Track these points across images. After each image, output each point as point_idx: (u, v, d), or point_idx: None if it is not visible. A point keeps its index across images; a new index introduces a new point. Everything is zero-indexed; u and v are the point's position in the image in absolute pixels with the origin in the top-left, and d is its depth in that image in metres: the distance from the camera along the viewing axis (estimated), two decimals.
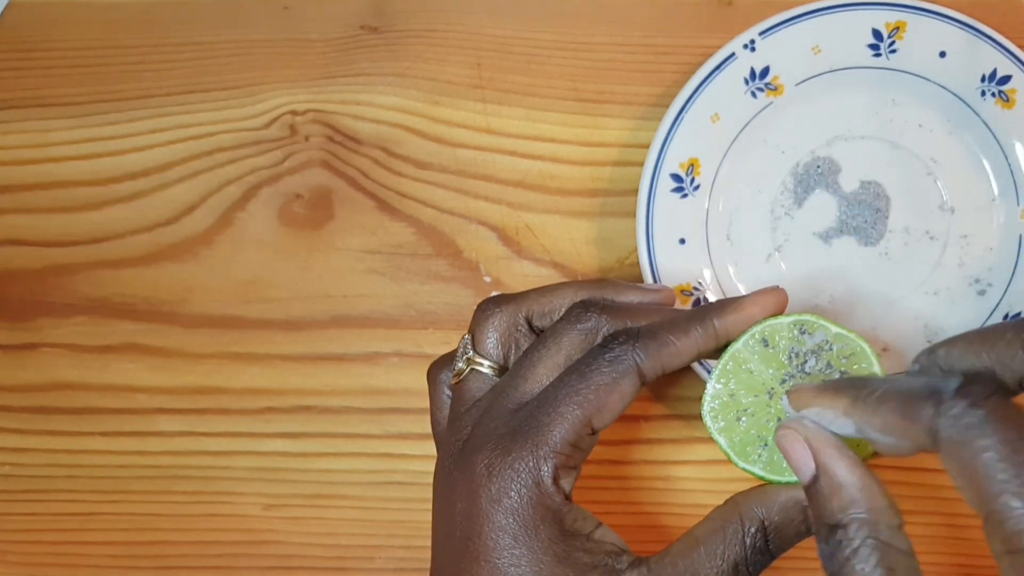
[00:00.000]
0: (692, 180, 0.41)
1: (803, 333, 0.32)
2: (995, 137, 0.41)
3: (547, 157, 0.44)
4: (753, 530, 0.31)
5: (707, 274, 0.42)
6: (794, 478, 0.31)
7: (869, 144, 0.42)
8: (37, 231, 0.45)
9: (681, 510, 0.43)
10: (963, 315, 0.41)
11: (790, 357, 0.32)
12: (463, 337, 0.36)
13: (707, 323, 0.32)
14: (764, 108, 0.41)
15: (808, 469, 0.29)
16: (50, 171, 0.45)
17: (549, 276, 0.43)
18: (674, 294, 0.37)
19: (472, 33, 0.44)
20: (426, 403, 0.43)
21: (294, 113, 0.44)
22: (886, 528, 0.27)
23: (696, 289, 0.41)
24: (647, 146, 0.41)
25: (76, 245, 0.45)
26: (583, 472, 0.33)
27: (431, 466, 0.43)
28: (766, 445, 0.32)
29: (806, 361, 0.32)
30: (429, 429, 0.43)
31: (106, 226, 0.45)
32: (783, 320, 0.32)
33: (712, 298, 0.41)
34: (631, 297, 0.35)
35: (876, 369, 0.31)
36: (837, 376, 0.31)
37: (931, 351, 0.29)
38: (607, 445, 0.43)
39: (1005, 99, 0.41)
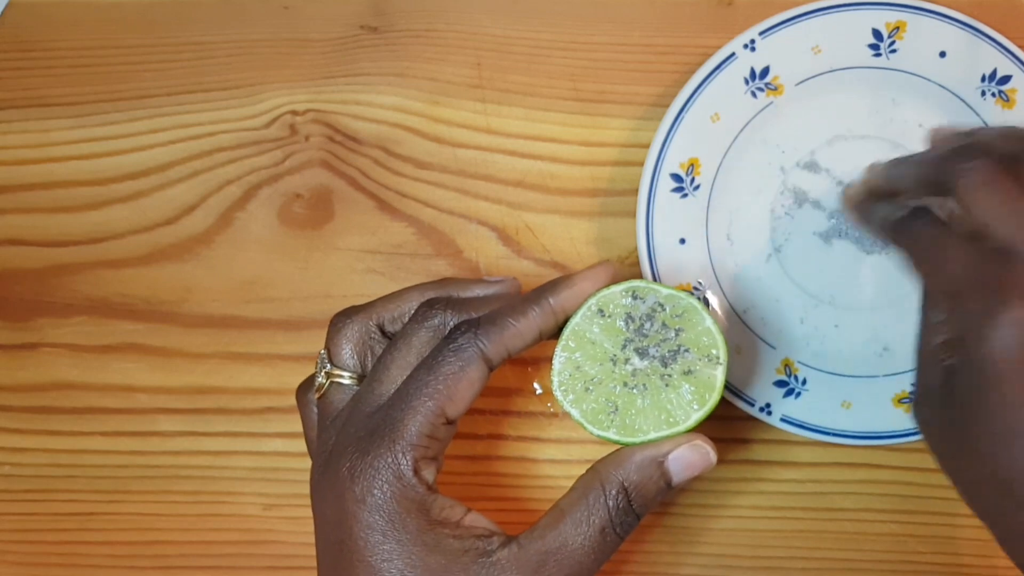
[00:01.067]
0: (692, 180, 0.41)
1: (635, 299, 0.34)
2: None
3: (547, 157, 0.44)
4: (614, 492, 0.32)
5: (707, 274, 0.42)
6: (648, 437, 0.33)
7: (869, 144, 0.42)
8: (37, 231, 0.45)
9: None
10: None
11: (626, 322, 0.34)
12: (319, 353, 0.36)
13: (543, 302, 0.34)
14: (764, 108, 0.41)
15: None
16: (50, 171, 0.45)
17: (549, 276, 0.43)
18: (519, 284, 0.38)
19: (472, 33, 0.44)
20: None
21: (294, 113, 0.44)
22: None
23: (696, 289, 0.41)
24: (647, 146, 0.41)
25: (76, 245, 0.45)
26: (451, 468, 0.34)
27: None
28: (616, 410, 0.33)
29: (642, 325, 0.33)
30: None
31: (106, 226, 0.45)
32: (615, 289, 0.34)
33: (713, 298, 0.41)
34: (475, 291, 0.36)
35: (708, 323, 0.33)
36: (672, 336, 0.33)
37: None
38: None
39: (1005, 99, 0.41)
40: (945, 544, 0.42)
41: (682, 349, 0.33)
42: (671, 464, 0.33)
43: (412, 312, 0.35)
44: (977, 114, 0.41)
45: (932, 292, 0.31)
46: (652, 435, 0.33)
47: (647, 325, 0.33)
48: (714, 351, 0.33)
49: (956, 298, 0.30)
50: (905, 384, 0.41)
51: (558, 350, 0.34)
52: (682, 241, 0.41)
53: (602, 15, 0.44)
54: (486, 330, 0.33)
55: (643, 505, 0.33)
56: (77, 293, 0.45)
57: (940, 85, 0.41)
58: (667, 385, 0.33)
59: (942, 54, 0.41)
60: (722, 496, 0.43)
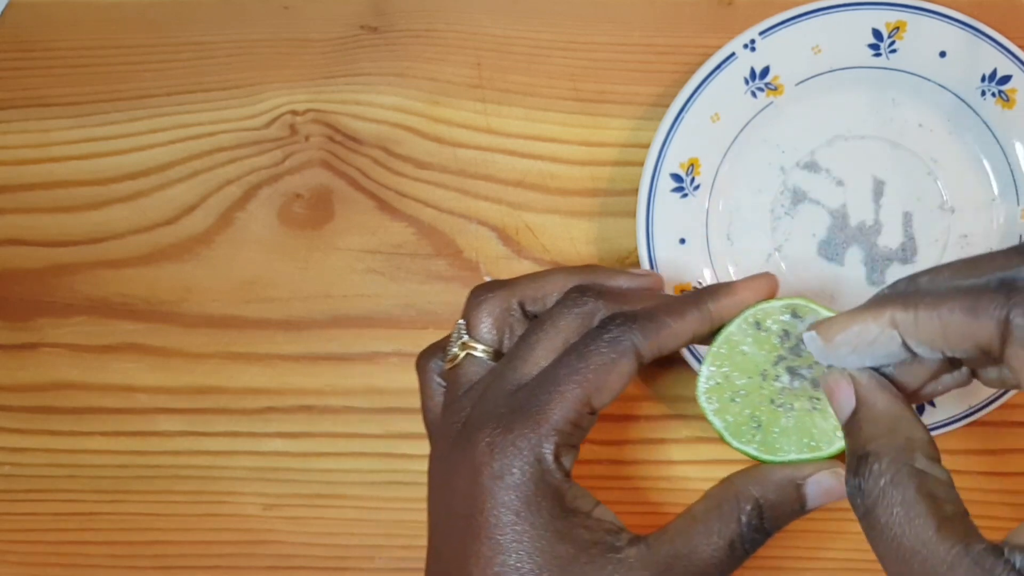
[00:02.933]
0: (692, 180, 0.41)
1: (794, 316, 0.33)
2: (995, 137, 0.41)
3: (547, 157, 0.44)
4: (748, 508, 0.31)
5: (707, 274, 0.42)
6: (788, 457, 0.32)
7: (869, 144, 0.42)
8: (37, 231, 0.45)
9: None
10: None
11: (782, 339, 0.33)
12: (457, 323, 0.36)
13: (702, 306, 0.33)
14: (764, 108, 0.41)
15: (849, 405, 0.29)
16: (50, 171, 0.45)
17: None
18: (662, 280, 0.37)
19: (472, 33, 0.44)
20: None
21: (294, 113, 0.44)
22: (924, 458, 0.27)
23: (696, 289, 0.41)
24: (647, 146, 0.41)
25: (76, 245, 0.45)
26: (580, 454, 0.33)
27: None
28: (759, 425, 0.32)
29: (797, 344, 0.32)
30: None
31: (106, 226, 0.45)
32: (775, 303, 0.33)
33: None
34: (621, 282, 0.36)
35: None
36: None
37: (913, 278, 0.29)
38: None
39: (1005, 99, 0.41)
40: None
41: None
42: (809, 488, 0.32)
43: (555, 295, 0.35)
44: (977, 114, 0.41)
45: None
46: (792, 456, 0.32)
47: (802, 345, 0.32)
48: None
49: None
50: None
51: (708, 357, 0.33)
52: (682, 241, 0.41)
53: (602, 15, 0.44)
54: (643, 325, 0.32)
55: (774, 525, 0.32)
56: (77, 293, 0.45)
57: (940, 85, 0.41)
58: (814, 408, 0.32)
59: (942, 54, 0.41)
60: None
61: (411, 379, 0.43)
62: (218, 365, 0.44)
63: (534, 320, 0.35)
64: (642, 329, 0.32)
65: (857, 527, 0.41)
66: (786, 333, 0.33)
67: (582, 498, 0.32)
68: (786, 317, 0.33)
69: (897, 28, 0.40)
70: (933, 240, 0.42)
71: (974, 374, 0.31)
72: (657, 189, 0.41)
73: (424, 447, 0.43)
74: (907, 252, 0.42)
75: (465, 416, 0.33)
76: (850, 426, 0.29)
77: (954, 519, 0.26)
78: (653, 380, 0.42)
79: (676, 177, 0.41)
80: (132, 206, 0.45)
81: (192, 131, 0.45)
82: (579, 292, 0.34)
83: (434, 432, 0.36)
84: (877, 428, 0.28)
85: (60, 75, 0.45)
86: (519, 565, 0.30)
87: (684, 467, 0.43)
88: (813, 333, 0.30)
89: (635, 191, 0.41)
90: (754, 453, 0.32)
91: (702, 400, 0.33)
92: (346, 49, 0.44)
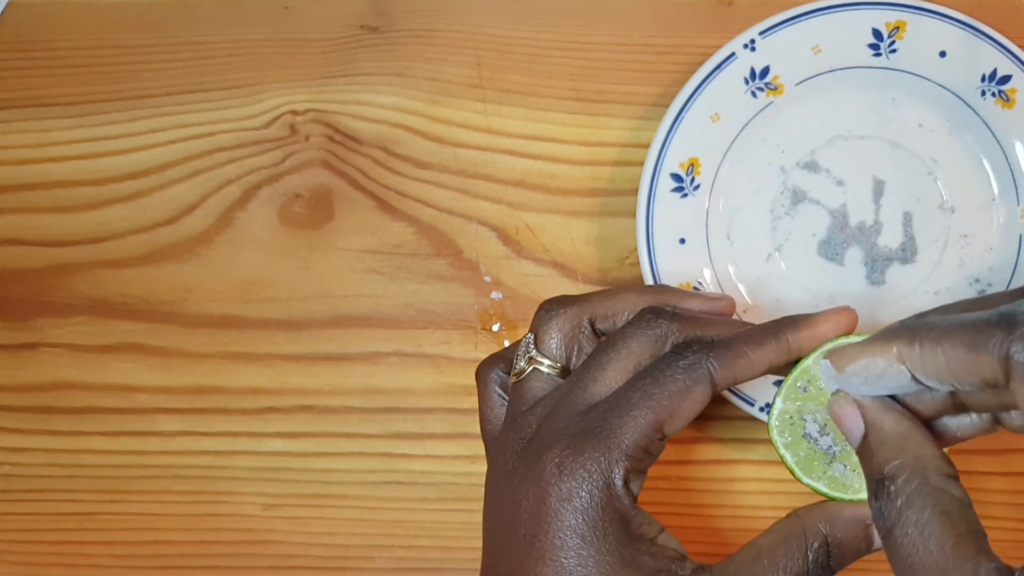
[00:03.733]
0: (692, 180, 0.41)
1: None
2: (995, 137, 0.41)
3: (547, 157, 0.44)
4: (816, 545, 0.31)
5: (707, 274, 0.42)
6: (859, 496, 0.31)
7: (869, 144, 0.42)
8: (37, 231, 0.45)
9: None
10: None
11: None
12: (524, 336, 0.35)
13: (781, 337, 0.32)
14: (764, 108, 0.41)
15: (858, 430, 0.29)
16: (50, 171, 0.45)
17: (549, 276, 0.43)
18: (734, 303, 0.37)
19: (472, 33, 0.44)
20: (426, 403, 0.43)
21: (294, 113, 0.44)
22: (936, 475, 0.27)
23: (696, 289, 0.41)
24: (647, 146, 0.41)
25: (76, 245, 0.45)
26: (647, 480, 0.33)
27: (431, 466, 0.43)
28: (831, 462, 0.32)
29: None
30: (429, 428, 0.43)
31: (106, 226, 0.45)
32: (854, 339, 0.32)
33: None
34: (694, 305, 0.36)
35: None
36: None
37: (923, 314, 0.29)
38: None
39: (1005, 99, 0.41)
40: None
41: None
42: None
43: (626, 314, 0.35)
44: (977, 114, 0.41)
45: None
46: (863, 495, 0.31)
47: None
48: None
49: None
50: None
51: (783, 390, 0.32)
52: (682, 241, 0.41)
53: (602, 15, 0.44)
54: (719, 354, 0.31)
55: (840, 563, 0.31)
56: (77, 293, 0.45)
57: (940, 85, 0.41)
58: None
59: (942, 54, 0.41)
60: (722, 496, 0.43)
61: (411, 379, 0.44)
62: (218, 365, 0.44)
63: (605, 339, 0.34)
64: (718, 357, 0.31)
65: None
66: None
67: (648, 524, 0.31)
68: None
69: (897, 28, 0.40)
70: (933, 240, 0.42)
71: (998, 420, 0.30)
72: (657, 189, 0.41)
73: (424, 447, 0.44)
74: (907, 252, 0.42)
75: (532, 432, 0.33)
76: (863, 451, 0.29)
77: (968, 537, 0.25)
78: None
79: (676, 177, 0.41)
80: (132, 206, 0.45)
81: (192, 131, 0.45)
82: (653, 314, 0.33)
83: (494, 445, 0.35)
84: (888, 450, 0.28)
85: (60, 75, 0.45)
86: None
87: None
88: (827, 362, 0.30)
89: (635, 191, 0.41)
90: (824, 490, 0.32)
91: (774, 434, 0.32)
92: (346, 49, 0.44)
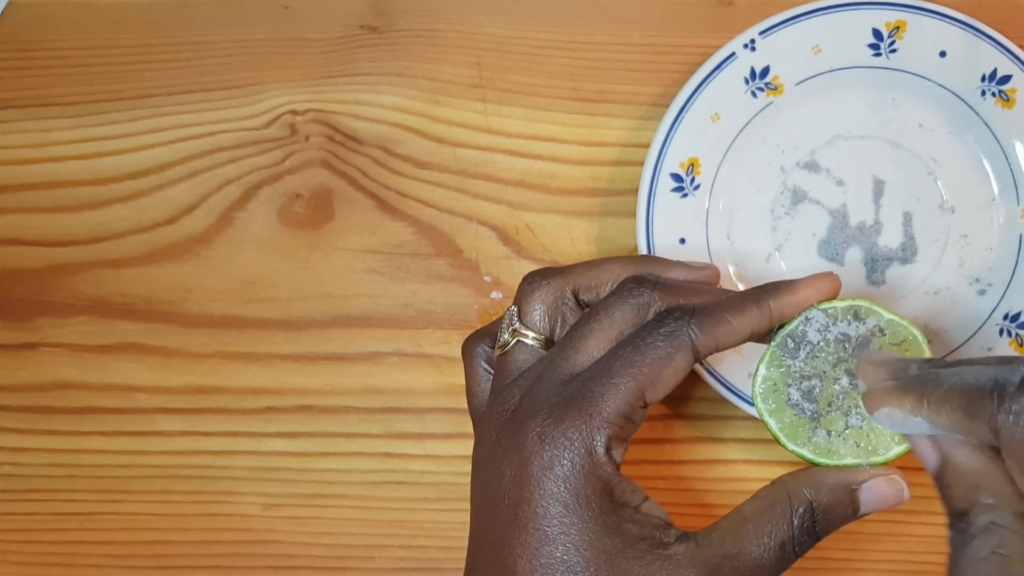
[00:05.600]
0: (692, 180, 0.41)
1: (856, 318, 0.32)
2: (995, 137, 0.41)
3: (547, 157, 0.44)
4: (801, 511, 0.31)
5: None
6: (843, 461, 0.32)
7: (869, 144, 0.42)
8: (37, 231, 0.45)
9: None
10: (963, 315, 0.41)
11: (842, 342, 0.32)
12: (508, 309, 0.35)
13: (763, 304, 0.32)
14: (764, 108, 0.41)
15: (933, 460, 0.29)
16: (50, 171, 0.45)
17: None
18: (719, 272, 0.37)
19: (472, 33, 0.44)
20: (426, 403, 0.43)
21: (294, 113, 0.44)
22: (1009, 514, 0.27)
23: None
24: (647, 146, 0.41)
25: (76, 245, 0.45)
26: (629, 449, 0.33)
27: (431, 466, 0.43)
28: (816, 428, 0.32)
29: (858, 346, 0.32)
30: (429, 429, 0.43)
31: (106, 226, 0.45)
32: (837, 304, 0.32)
33: None
34: (678, 274, 0.36)
35: (927, 356, 0.31)
36: None
37: (933, 364, 0.30)
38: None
39: (1005, 99, 0.41)
40: (945, 544, 0.42)
41: None
42: (863, 493, 0.31)
43: (610, 285, 0.35)
44: (977, 114, 0.41)
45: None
46: (848, 460, 0.32)
47: (864, 348, 0.32)
48: None
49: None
50: None
51: (766, 356, 0.32)
52: (682, 241, 0.41)
53: (602, 15, 0.44)
54: (701, 321, 0.31)
55: (825, 528, 0.31)
56: (77, 293, 0.45)
57: (940, 85, 0.41)
58: None
59: (942, 54, 0.41)
60: (722, 496, 0.43)
61: (411, 379, 0.44)
62: (218, 365, 0.44)
63: (588, 309, 0.34)
64: (700, 324, 0.31)
65: (857, 527, 0.41)
66: (846, 335, 0.32)
67: (631, 492, 0.31)
68: (847, 319, 0.32)
69: (897, 28, 0.40)
70: (933, 240, 0.42)
71: None
72: (657, 189, 0.41)
73: (424, 447, 0.44)
74: (907, 252, 0.42)
75: (515, 404, 0.33)
76: (940, 483, 0.29)
77: None
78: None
79: (676, 177, 0.41)
80: (132, 206, 0.45)
81: (192, 131, 0.45)
82: (635, 283, 0.33)
83: (480, 419, 0.35)
84: (962, 487, 0.28)
85: (60, 75, 0.45)
86: (566, 557, 0.30)
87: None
88: (864, 395, 0.31)
89: (635, 191, 0.41)
90: (809, 456, 0.32)
91: (758, 401, 0.32)
92: (346, 49, 0.44)
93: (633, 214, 0.41)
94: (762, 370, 0.32)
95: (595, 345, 0.32)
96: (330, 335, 0.44)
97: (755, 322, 0.32)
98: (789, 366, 0.32)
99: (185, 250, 0.44)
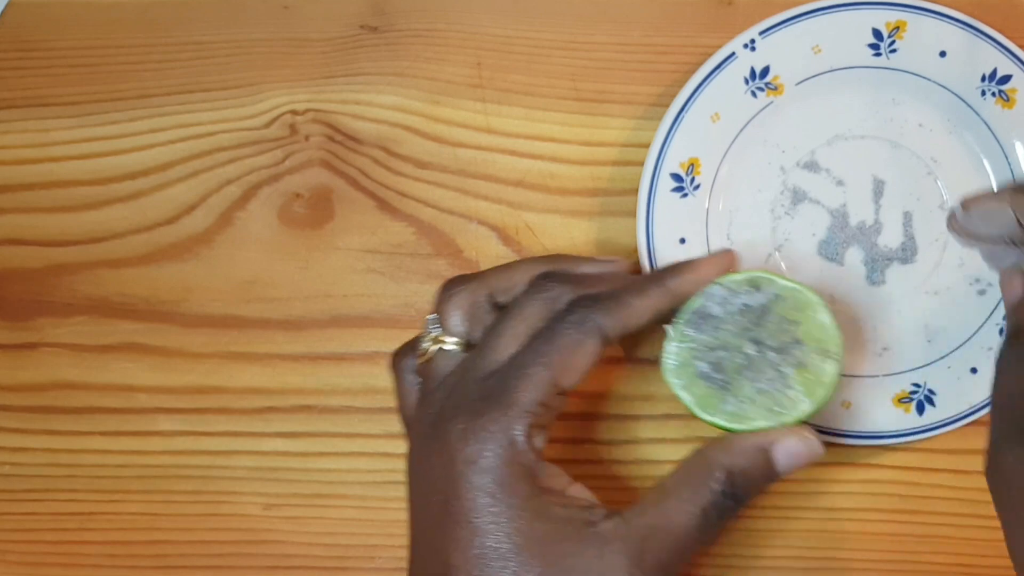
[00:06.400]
0: (692, 180, 0.41)
1: (755, 289, 0.34)
2: (995, 137, 0.41)
3: (547, 157, 0.44)
4: (720, 476, 0.32)
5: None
6: (756, 425, 0.33)
7: (869, 144, 0.42)
8: (37, 231, 0.45)
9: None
10: (963, 315, 0.41)
11: (744, 311, 0.34)
12: (427, 318, 0.36)
13: (664, 284, 0.34)
14: (764, 108, 0.41)
15: (1017, 293, 0.35)
16: (50, 171, 0.45)
17: None
18: (628, 265, 0.38)
19: (472, 32, 0.44)
20: None
21: (294, 113, 0.44)
22: None
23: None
24: (647, 145, 0.41)
25: (76, 245, 0.45)
26: (554, 436, 0.34)
27: None
28: (726, 396, 0.34)
29: (759, 315, 0.34)
30: None
31: (106, 226, 0.45)
32: (736, 277, 0.34)
33: None
34: (587, 268, 0.37)
35: (825, 319, 0.33)
36: (788, 328, 0.34)
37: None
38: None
39: (1005, 99, 0.41)
40: (945, 544, 0.42)
41: (797, 342, 0.34)
42: (777, 453, 0.33)
43: (523, 285, 0.36)
44: (977, 114, 0.41)
45: None
46: (760, 423, 0.33)
47: (764, 316, 0.34)
48: (828, 346, 0.34)
49: None
50: (905, 384, 0.41)
51: (673, 334, 0.34)
52: (682, 241, 0.41)
53: (602, 15, 0.44)
54: (605, 306, 0.33)
55: (747, 491, 0.33)
56: (77, 293, 0.45)
57: (940, 85, 0.41)
58: (779, 376, 0.33)
59: (942, 54, 0.41)
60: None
61: None
62: (218, 365, 0.44)
63: (502, 310, 0.35)
64: (605, 309, 0.33)
65: (857, 527, 0.41)
66: (747, 305, 0.34)
67: (556, 477, 0.33)
68: (746, 290, 0.34)
69: (897, 28, 0.40)
70: (933, 240, 0.42)
71: None
72: (657, 189, 0.41)
73: None
74: (907, 252, 0.42)
75: (439, 407, 0.34)
76: (1015, 309, 0.34)
77: None
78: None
79: (676, 177, 0.41)
80: (132, 206, 0.45)
81: (192, 131, 0.45)
82: (544, 279, 0.35)
83: (410, 427, 0.36)
84: None
85: (60, 75, 0.45)
86: (497, 546, 0.31)
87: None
88: (958, 205, 0.35)
89: (635, 191, 0.41)
90: (723, 424, 0.34)
91: (669, 377, 0.34)
92: (346, 49, 0.44)
93: (633, 214, 0.41)
94: (670, 347, 0.34)
95: (509, 342, 0.34)
96: (330, 335, 0.44)
97: (658, 302, 0.34)
98: (695, 340, 0.34)
99: (185, 250, 0.44)
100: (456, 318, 0.36)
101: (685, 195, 0.41)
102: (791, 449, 0.33)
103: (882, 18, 0.40)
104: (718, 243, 0.42)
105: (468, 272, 0.38)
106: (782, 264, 0.42)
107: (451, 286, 0.36)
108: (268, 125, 0.44)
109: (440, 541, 0.32)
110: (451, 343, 0.35)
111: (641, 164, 0.41)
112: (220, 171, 0.44)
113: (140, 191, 0.45)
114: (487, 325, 0.35)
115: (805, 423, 0.34)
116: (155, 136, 0.45)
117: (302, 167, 0.44)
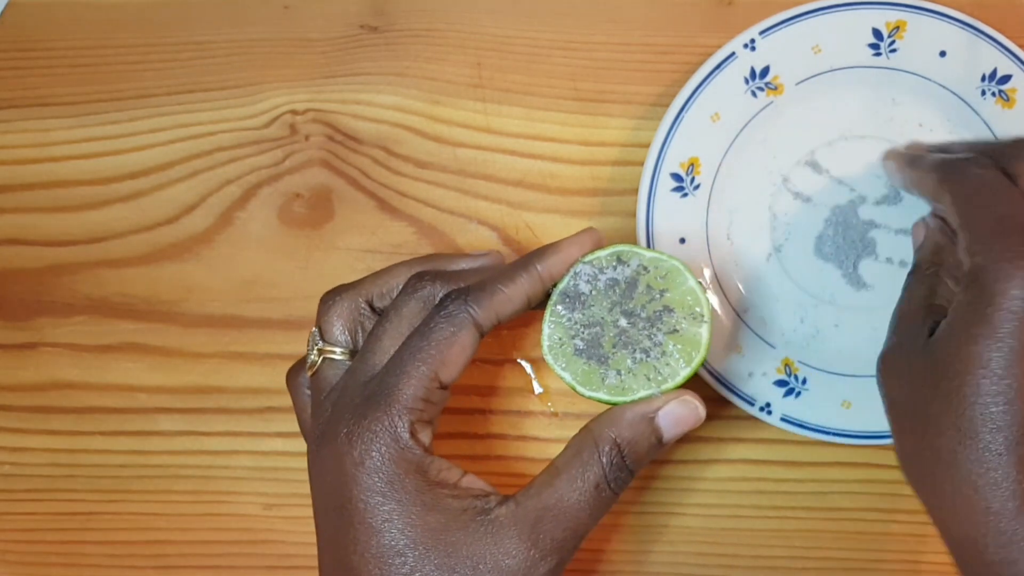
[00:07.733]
0: (692, 179, 0.41)
1: (620, 262, 0.35)
2: (995, 137, 0.41)
3: (547, 157, 0.44)
4: (608, 448, 0.33)
5: (707, 273, 0.42)
6: (637, 395, 0.34)
7: (869, 144, 0.42)
8: (37, 231, 0.45)
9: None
10: None
11: (612, 285, 0.34)
12: (311, 332, 0.37)
13: (530, 268, 0.34)
14: (764, 107, 0.41)
15: (921, 236, 0.39)
16: (50, 171, 0.45)
17: None
18: (503, 257, 0.38)
19: (472, 32, 0.44)
20: None
21: (294, 112, 0.44)
22: (946, 271, 0.37)
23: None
24: (647, 145, 0.41)
25: (76, 245, 0.45)
26: (445, 431, 0.34)
27: None
28: (606, 371, 0.34)
29: (628, 287, 0.34)
30: None
31: (106, 226, 0.45)
32: (600, 253, 0.35)
33: (715, 299, 0.41)
34: (462, 264, 0.37)
35: (691, 283, 0.34)
36: (657, 297, 0.34)
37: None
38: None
39: (1005, 99, 0.41)
40: (945, 543, 0.42)
41: (667, 309, 0.34)
42: (661, 420, 0.33)
43: (400, 287, 0.36)
44: (977, 113, 0.41)
45: (973, 229, 0.32)
46: (642, 393, 0.34)
47: (633, 288, 0.34)
48: (698, 309, 0.34)
49: (999, 236, 0.31)
50: None
51: (547, 316, 0.35)
52: (682, 241, 0.41)
53: (602, 15, 0.44)
54: (476, 296, 0.33)
55: (636, 461, 0.33)
56: (77, 293, 0.45)
57: (940, 85, 0.41)
58: (655, 345, 0.34)
59: (942, 54, 0.41)
60: (722, 496, 0.43)
61: None
62: (218, 365, 0.44)
63: (380, 314, 0.36)
64: (476, 300, 0.33)
65: (857, 527, 0.41)
66: (615, 279, 0.34)
67: (447, 470, 0.33)
68: (613, 264, 0.34)
69: (897, 28, 0.40)
70: None
71: None
72: (657, 189, 0.41)
73: None
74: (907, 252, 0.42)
75: (328, 416, 0.34)
76: (919, 248, 0.38)
77: (932, 307, 0.35)
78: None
79: (676, 177, 0.41)
80: (132, 206, 0.45)
81: (192, 131, 0.45)
82: (417, 278, 0.35)
83: (306, 438, 0.36)
84: (928, 251, 0.38)
85: (60, 75, 0.45)
86: (393, 543, 0.31)
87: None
88: (887, 158, 0.40)
89: (635, 191, 0.41)
90: (605, 398, 0.34)
91: (548, 358, 0.34)
92: (346, 49, 0.44)
93: (633, 214, 0.41)
94: (546, 330, 0.35)
95: (388, 343, 0.34)
96: None
97: (528, 287, 0.34)
98: (569, 319, 0.34)
99: (185, 250, 0.44)
100: (337, 327, 0.36)
101: (685, 195, 0.41)
102: (674, 415, 0.34)
103: (882, 18, 0.40)
104: (718, 243, 0.42)
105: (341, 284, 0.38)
106: (782, 264, 0.42)
107: (329, 297, 0.37)
108: (268, 125, 0.44)
109: (341, 546, 0.32)
110: (337, 353, 0.36)
111: (641, 164, 0.41)
112: (220, 171, 0.44)
113: (140, 191, 0.45)
114: (368, 331, 0.36)
115: (685, 387, 0.34)
116: (155, 136, 0.45)
117: (302, 167, 0.44)
